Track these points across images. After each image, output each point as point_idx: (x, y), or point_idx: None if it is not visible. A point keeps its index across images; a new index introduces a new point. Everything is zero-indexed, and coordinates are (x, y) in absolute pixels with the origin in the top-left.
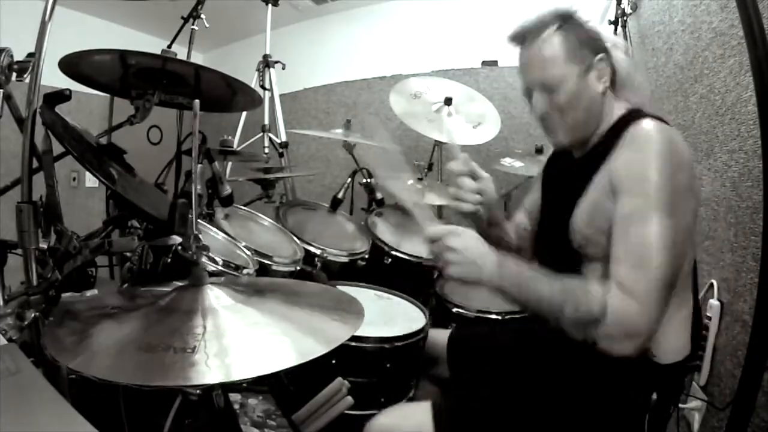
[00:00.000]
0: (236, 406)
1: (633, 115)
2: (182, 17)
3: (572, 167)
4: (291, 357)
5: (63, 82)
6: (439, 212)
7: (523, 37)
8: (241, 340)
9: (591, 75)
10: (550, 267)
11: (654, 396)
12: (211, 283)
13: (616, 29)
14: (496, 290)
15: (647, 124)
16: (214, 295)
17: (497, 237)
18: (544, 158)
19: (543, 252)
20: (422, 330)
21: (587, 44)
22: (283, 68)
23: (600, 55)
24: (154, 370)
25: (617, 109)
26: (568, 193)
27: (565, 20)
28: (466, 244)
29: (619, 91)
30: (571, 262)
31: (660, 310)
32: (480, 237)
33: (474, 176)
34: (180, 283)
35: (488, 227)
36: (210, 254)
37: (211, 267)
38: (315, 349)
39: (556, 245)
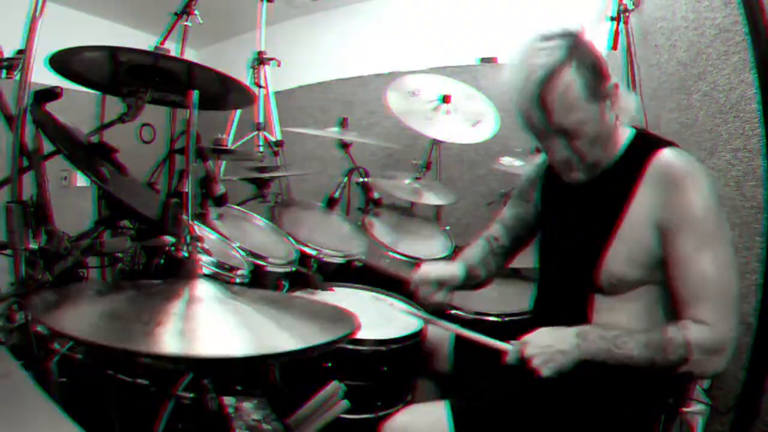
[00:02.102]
0: (230, 410)
1: (646, 141)
2: (175, 13)
3: (581, 195)
4: (251, 346)
5: (53, 79)
6: (438, 212)
7: (538, 84)
8: (218, 325)
9: (606, 104)
10: (560, 299)
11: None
12: (202, 276)
13: (617, 25)
14: (591, 360)
15: (670, 157)
16: (204, 287)
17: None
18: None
19: (553, 285)
20: (419, 332)
21: (599, 71)
22: (278, 65)
23: (612, 82)
24: (125, 335)
25: (624, 131)
26: (589, 229)
27: (576, 47)
28: (542, 342)
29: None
30: (585, 295)
31: (734, 325)
32: (548, 328)
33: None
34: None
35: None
36: (203, 246)
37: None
38: (285, 343)
39: (573, 281)
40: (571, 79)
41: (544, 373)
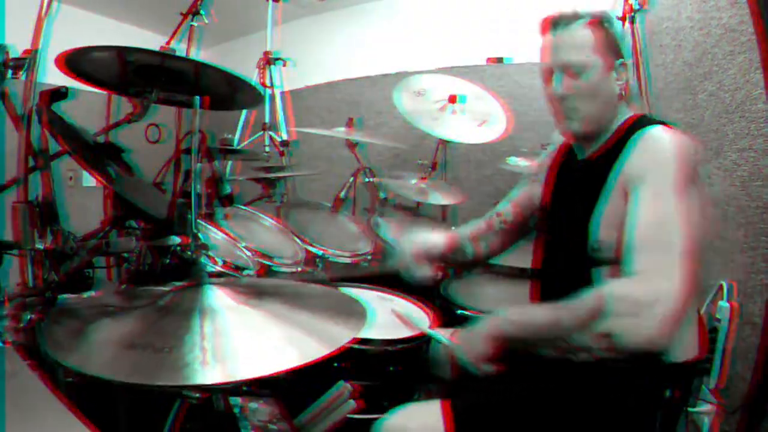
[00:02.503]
0: (238, 410)
1: (643, 121)
2: (182, 13)
3: (582, 171)
4: (292, 358)
5: (61, 79)
6: (443, 212)
7: (555, 23)
8: (241, 341)
9: (612, 75)
10: (562, 271)
11: (667, 394)
12: (211, 283)
13: (623, 26)
14: (511, 343)
15: (659, 131)
16: (214, 295)
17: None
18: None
19: (556, 256)
20: (426, 333)
21: (614, 46)
22: (285, 65)
23: (621, 60)
24: (154, 369)
25: (627, 114)
26: (582, 199)
27: (597, 18)
28: (465, 331)
29: (628, 100)
30: (583, 267)
31: (681, 281)
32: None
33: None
34: (179, 284)
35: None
36: (210, 253)
37: (212, 268)
38: (317, 350)
39: (570, 251)
40: (587, 29)
41: (470, 358)
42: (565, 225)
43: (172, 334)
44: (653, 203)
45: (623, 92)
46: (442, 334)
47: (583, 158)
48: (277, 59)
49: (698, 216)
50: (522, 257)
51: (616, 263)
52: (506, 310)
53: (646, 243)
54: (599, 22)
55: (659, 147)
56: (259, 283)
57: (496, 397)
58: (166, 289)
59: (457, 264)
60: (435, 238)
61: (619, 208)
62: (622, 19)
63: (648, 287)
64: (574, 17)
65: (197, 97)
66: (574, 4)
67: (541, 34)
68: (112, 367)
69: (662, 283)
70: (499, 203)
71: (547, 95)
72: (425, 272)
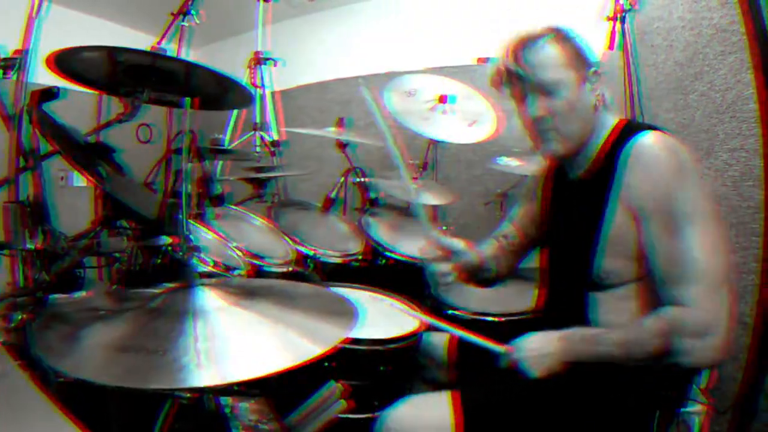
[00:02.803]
0: (228, 410)
1: (631, 128)
2: (172, 13)
3: (576, 191)
4: (285, 358)
5: (51, 79)
6: (434, 212)
7: (520, 45)
8: (234, 342)
9: (586, 86)
10: (562, 297)
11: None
12: (202, 284)
13: (614, 25)
14: (579, 361)
15: (649, 139)
16: (206, 297)
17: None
18: (541, 158)
19: (558, 282)
20: (417, 332)
21: (581, 57)
22: (276, 65)
23: (593, 68)
24: (147, 373)
25: (609, 121)
26: (581, 224)
27: (559, 32)
28: (528, 347)
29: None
30: (585, 291)
31: (721, 306)
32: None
33: (445, 250)
34: (171, 285)
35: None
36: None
37: (203, 268)
38: (310, 351)
39: (572, 277)
40: (553, 46)
41: (532, 375)
42: (566, 252)
43: (165, 337)
44: (683, 235)
45: (598, 102)
46: (490, 342)
47: (576, 177)
48: (267, 59)
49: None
50: None
51: (616, 286)
52: (577, 333)
53: (691, 275)
54: (561, 36)
55: (655, 165)
56: (250, 284)
57: (503, 393)
58: (158, 291)
59: (478, 280)
60: (471, 254)
61: (623, 234)
62: (613, 18)
63: (702, 316)
64: (537, 36)
65: (187, 98)
66: (561, 6)
67: (506, 59)
68: (105, 371)
69: (715, 311)
70: (502, 224)
71: (523, 120)
72: (450, 279)
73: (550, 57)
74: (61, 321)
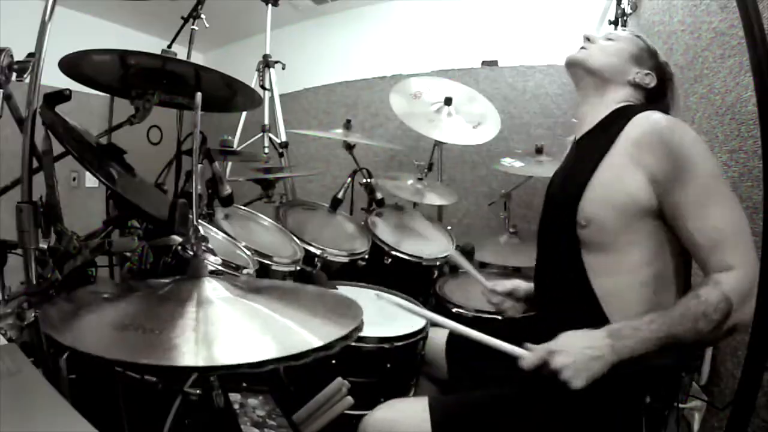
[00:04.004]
0: (236, 406)
1: (636, 106)
2: (182, 17)
3: (579, 147)
4: (279, 348)
5: (63, 82)
6: (439, 213)
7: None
8: (232, 329)
9: (634, 66)
10: (549, 254)
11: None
12: (210, 276)
13: (615, 29)
14: (630, 357)
15: (663, 118)
16: (212, 287)
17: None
18: (544, 158)
19: (544, 239)
20: (422, 330)
21: (646, 55)
22: (283, 68)
23: (649, 72)
24: (140, 349)
25: (625, 102)
26: (574, 174)
27: (645, 43)
28: (573, 349)
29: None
30: (571, 248)
31: (757, 259)
32: (574, 331)
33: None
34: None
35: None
36: (209, 246)
37: (211, 266)
38: (304, 343)
39: (558, 229)
40: (631, 37)
41: (576, 384)
42: (554, 206)
43: (164, 319)
44: (716, 201)
45: (635, 79)
46: (519, 351)
47: (582, 136)
48: (276, 62)
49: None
50: (515, 257)
51: (602, 250)
52: (627, 325)
53: (731, 238)
54: (646, 43)
55: (682, 137)
56: (257, 282)
57: (482, 395)
58: (166, 281)
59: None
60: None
61: (628, 192)
62: (614, 22)
63: (748, 277)
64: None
65: (198, 99)
66: (564, 10)
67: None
68: (100, 344)
69: (755, 270)
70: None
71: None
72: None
73: (627, 35)
74: (67, 300)
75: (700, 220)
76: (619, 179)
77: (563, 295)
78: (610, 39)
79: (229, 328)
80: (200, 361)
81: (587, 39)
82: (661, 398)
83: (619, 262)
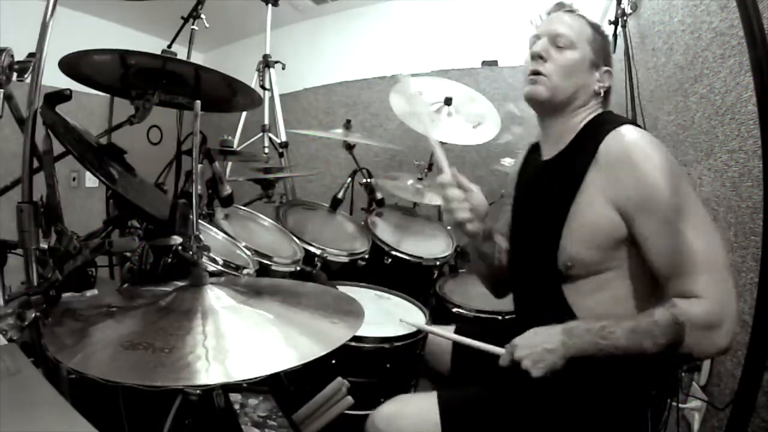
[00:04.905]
0: (236, 406)
1: (603, 121)
2: (182, 17)
3: (548, 171)
4: (291, 358)
5: (63, 82)
6: (439, 214)
7: (561, 5)
8: (241, 341)
9: (594, 72)
10: (527, 286)
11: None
12: (212, 284)
13: (616, 29)
14: (581, 359)
15: (632, 134)
16: (215, 296)
17: (490, 254)
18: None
19: (519, 270)
20: (422, 330)
21: (604, 52)
22: (283, 68)
23: (608, 68)
24: (153, 369)
25: (592, 110)
26: (549, 206)
27: (595, 25)
28: (529, 343)
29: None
30: (550, 281)
31: (729, 289)
32: (537, 328)
33: (462, 188)
34: (180, 283)
35: (483, 242)
36: (210, 254)
37: (212, 267)
38: (314, 350)
39: (536, 264)
40: (586, 25)
41: (535, 373)
42: (532, 237)
43: (173, 335)
44: (679, 227)
45: (598, 90)
46: (494, 349)
47: (549, 158)
48: (276, 62)
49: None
50: None
51: (581, 278)
52: (580, 326)
53: (696, 265)
54: (596, 27)
55: (640, 160)
56: (258, 283)
57: (490, 391)
58: (168, 289)
59: (487, 261)
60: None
61: (603, 227)
62: (614, 22)
63: (711, 307)
64: (577, 10)
65: (197, 106)
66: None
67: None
68: (112, 367)
69: (722, 300)
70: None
71: (531, 50)
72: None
73: (578, 25)
74: (72, 318)
75: (663, 247)
76: (595, 216)
77: (543, 317)
78: (563, 47)
79: (238, 340)
80: (215, 379)
81: (539, 57)
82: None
83: (599, 283)
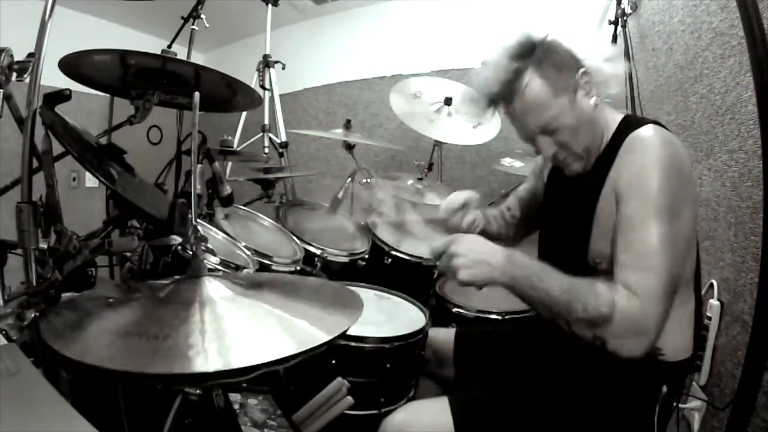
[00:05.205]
0: (236, 406)
1: (631, 122)
2: (182, 17)
3: (577, 182)
4: (289, 345)
5: (63, 82)
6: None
7: (503, 96)
8: (239, 330)
9: (579, 95)
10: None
11: (663, 390)
12: (210, 275)
13: (616, 29)
14: (508, 287)
15: (646, 131)
16: (213, 287)
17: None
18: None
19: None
20: (422, 330)
21: (565, 66)
22: (283, 68)
23: (580, 70)
24: (151, 356)
25: (614, 118)
26: (578, 211)
27: (534, 52)
28: (470, 246)
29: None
30: (580, 268)
31: (664, 311)
32: (482, 237)
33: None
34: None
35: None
36: (208, 246)
37: (210, 264)
38: (314, 337)
39: (568, 264)
40: (533, 80)
41: (462, 276)
42: (561, 238)
43: (169, 323)
44: (639, 227)
45: (597, 101)
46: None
47: (581, 171)
48: (276, 62)
49: (682, 238)
50: None
51: (609, 272)
52: (524, 259)
53: (647, 267)
54: (539, 55)
55: (644, 153)
56: (256, 276)
57: (499, 393)
58: (166, 281)
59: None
60: (472, 195)
61: (610, 218)
62: (614, 23)
63: (643, 313)
64: (515, 77)
65: (197, 98)
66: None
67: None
68: (107, 355)
69: (653, 313)
70: (509, 198)
71: (543, 155)
72: (469, 220)
73: (537, 98)
74: (69, 308)
75: (629, 234)
76: (609, 209)
77: None
78: (546, 125)
79: (236, 329)
80: (213, 366)
81: (553, 156)
82: (669, 396)
83: None
